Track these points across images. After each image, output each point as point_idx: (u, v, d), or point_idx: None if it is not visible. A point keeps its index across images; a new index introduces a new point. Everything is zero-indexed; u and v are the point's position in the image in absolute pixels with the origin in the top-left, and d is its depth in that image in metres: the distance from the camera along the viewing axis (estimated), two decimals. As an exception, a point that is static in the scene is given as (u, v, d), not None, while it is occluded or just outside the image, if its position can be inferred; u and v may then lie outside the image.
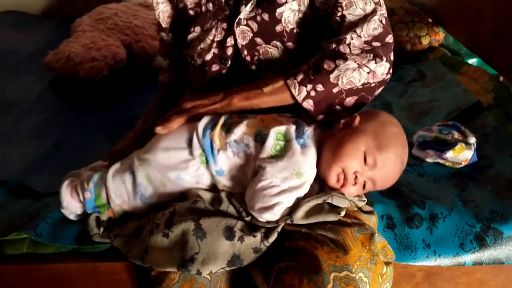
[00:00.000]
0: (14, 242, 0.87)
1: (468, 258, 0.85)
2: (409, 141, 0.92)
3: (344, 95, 0.82)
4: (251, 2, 0.84)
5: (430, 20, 1.74)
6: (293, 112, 0.84)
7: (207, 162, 0.77)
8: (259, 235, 0.73)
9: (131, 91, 1.64)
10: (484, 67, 1.43)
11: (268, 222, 0.74)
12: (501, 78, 1.44)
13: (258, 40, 0.86)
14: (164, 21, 0.97)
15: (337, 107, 0.82)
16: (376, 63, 0.80)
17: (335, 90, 0.80)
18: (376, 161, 0.75)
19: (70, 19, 1.95)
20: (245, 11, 0.84)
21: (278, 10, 0.84)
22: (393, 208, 0.89)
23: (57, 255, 0.86)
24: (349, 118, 0.80)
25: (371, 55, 0.79)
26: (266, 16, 0.85)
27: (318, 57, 0.82)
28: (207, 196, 0.78)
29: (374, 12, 0.80)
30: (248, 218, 0.75)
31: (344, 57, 0.79)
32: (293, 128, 0.77)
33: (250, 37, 0.86)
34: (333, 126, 0.81)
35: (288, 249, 0.73)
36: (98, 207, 0.81)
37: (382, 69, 0.81)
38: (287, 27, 0.85)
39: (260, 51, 0.87)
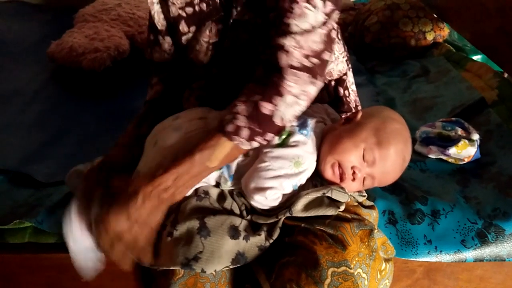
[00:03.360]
0: (16, 231, 0.88)
1: (469, 254, 0.85)
2: (412, 137, 0.91)
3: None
4: (240, 5, 0.81)
5: (435, 15, 1.73)
6: None
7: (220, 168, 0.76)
8: (263, 234, 0.73)
9: (133, 82, 1.63)
10: (489, 64, 1.43)
11: (266, 216, 0.74)
12: (506, 75, 1.43)
13: (252, 43, 0.85)
14: (159, 22, 0.91)
15: None
16: (314, 85, 0.73)
17: (278, 128, 0.74)
18: (375, 158, 0.74)
19: (73, 10, 1.94)
20: (237, 14, 0.83)
21: (271, 15, 0.80)
22: (395, 203, 0.89)
23: (58, 245, 0.86)
24: (351, 113, 0.79)
25: (309, 75, 0.72)
26: (259, 20, 0.82)
27: (251, 97, 0.72)
28: (214, 192, 0.77)
29: (323, 24, 0.72)
30: (248, 217, 0.75)
31: (279, 92, 0.71)
32: (295, 122, 0.77)
33: (244, 40, 0.85)
34: (336, 121, 0.81)
35: (288, 244, 0.73)
36: None
37: (315, 89, 0.75)
38: None
39: (256, 53, 0.85)
